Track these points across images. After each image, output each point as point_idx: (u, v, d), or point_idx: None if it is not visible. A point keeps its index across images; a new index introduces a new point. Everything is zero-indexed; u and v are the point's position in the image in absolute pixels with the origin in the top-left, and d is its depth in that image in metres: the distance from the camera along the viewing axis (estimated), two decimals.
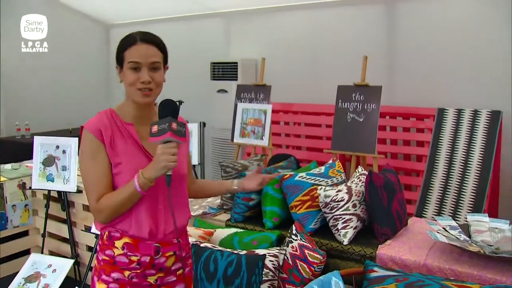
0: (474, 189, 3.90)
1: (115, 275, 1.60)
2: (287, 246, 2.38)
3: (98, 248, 1.67)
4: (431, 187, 4.06)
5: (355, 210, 2.46)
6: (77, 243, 3.56)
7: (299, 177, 2.60)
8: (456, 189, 3.96)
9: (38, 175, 3.46)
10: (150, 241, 1.60)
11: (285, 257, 2.36)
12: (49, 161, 3.45)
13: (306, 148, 4.88)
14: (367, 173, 2.48)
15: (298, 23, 5.15)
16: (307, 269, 2.26)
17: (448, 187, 4.00)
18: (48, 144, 3.46)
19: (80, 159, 1.62)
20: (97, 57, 6.83)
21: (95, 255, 1.82)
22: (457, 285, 1.93)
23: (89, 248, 3.28)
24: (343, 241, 2.42)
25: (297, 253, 2.31)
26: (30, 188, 3.56)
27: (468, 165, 3.96)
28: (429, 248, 2.30)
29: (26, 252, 3.71)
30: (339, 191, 2.47)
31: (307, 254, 2.27)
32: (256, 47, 5.39)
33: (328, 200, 2.44)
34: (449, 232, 2.33)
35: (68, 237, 3.49)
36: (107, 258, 1.62)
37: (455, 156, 4.03)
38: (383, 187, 2.43)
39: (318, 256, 2.26)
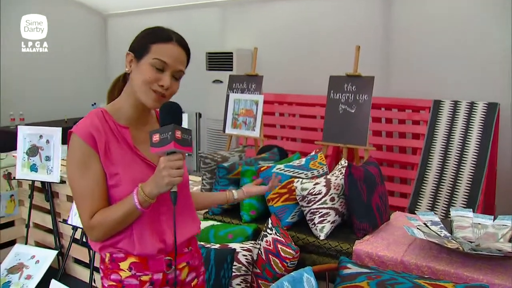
0: (468, 183, 3.80)
1: None
2: (262, 240, 2.31)
3: (101, 273, 1.47)
4: (425, 180, 3.96)
5: (333, 204, 2.37)
6: (61, 234, 3.53)
7: (277, 169, 2.52)
8: (451, 182, 3.86)
9: (22, 165, 3.42)
10: (160, 256, 1.42)
11: (259, 252, 2.30)
12: (33, 151, 3.41)
13: (301, 140, 4.80)
14: None
15: (293, 12, 5.06)
16: (280, 265, 2.19)
17: (443, 180, 3.90)
18: (32, 134, 3.42)
19: (68, 169, 1.38)
20: (94, 46, 6.79)
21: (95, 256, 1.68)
22: (431, 284, 1.85)
23: (75, 240, 3.24)
24: (320, 236, 2.34)
25: (270, 247, 2.24)
26: (14, 178, 3.52)
27: (464, 158, 3.86)
28: (408, 244, 2.22)
29: (13, 243, 3.69)
30: (316, 183, 2.38)
31: (280, 249, 2.20)
32: (251, 37, 5.31)
33: (305, 193, 2.36)
34: (429, 228, 2.24)
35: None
36: (113, 283, 1.42)
37: (450, 148, 3.93)
38: (363, 180, 2.34)
39: (291, 251, 2.18)
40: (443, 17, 4.26)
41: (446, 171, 3.91)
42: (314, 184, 2.37)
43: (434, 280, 1.87)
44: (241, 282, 2.27)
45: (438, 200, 3.88)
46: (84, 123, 1.37)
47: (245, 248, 2.30)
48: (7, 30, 5.38)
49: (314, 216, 2.35)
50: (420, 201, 3.92)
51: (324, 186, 2.38)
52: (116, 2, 6.37)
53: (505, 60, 3.99)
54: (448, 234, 2.22)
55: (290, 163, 2.61)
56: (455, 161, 3.89)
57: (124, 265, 1.40)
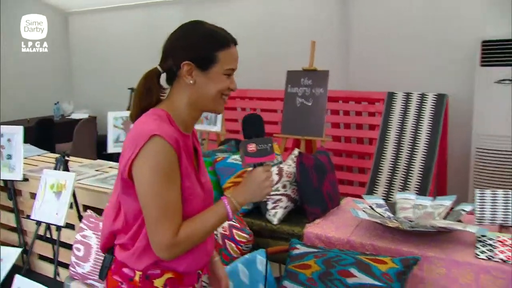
0: (420, 171, 4.00)
1: None
2: (221, 227, 2.43)
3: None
4: (381, 169, 4.15)
5: (285, 191, 2.52)
6: (25, 231, 3.57)
7: (232, 159, 2.64)
8: (404, 170, 4.06)
9: None
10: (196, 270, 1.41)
11: (217, 238, 2.41)
12: None
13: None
14: None
15: (254, 10, 5.19)
16: (235, 248, 2.31)
17: (397, 169, 4.09)
18: None
19: (150, 177, 1.24)
20: (56, 45, 6.74)
21: None
22: (371, 259, 2.01)
23: (39, 236, 3.28)
24: (273, 220, 2.47)
25: (226, 233, 2.36)
26: None
27: (416, 147, 4.06)
28: (355, 226, 2.37)
29: None
30: None
31: (235, 234, 2.33)
32: None
33: None
34: (374, 210, 2.40)
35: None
36: None
37: (403, 138, 4.13)
38: (313, 167, 2.49)
39: (245, 235, 2.31)
40: (398, 12, 4.46)
41: (399, 160, 4.10)
42: None
43: (374, 255, 2.04)
44: None
45: (393, 188, 4.07)
46: (167, 126, 1.28)
47: None
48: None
49: (268, 203, 2.49)
50: (376, 189, 4.11)
51: (277, 174, 2.52)
52: (77, 0, 6.36)
53: (453, 54, 4.23)
54: (391, 215, 2.38)
55: None
56: (408, 150, 4.08)
57: (159, 282, 1.34)
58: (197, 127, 4.29)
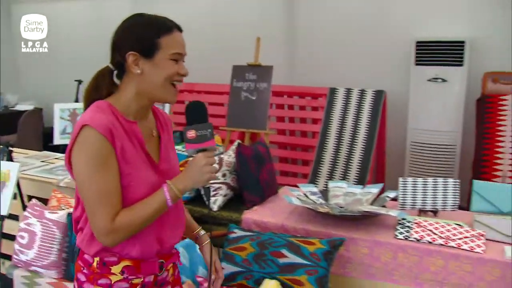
0: (359, 162, 4.22)
1: None
2: None
3: (81, 277, 1.39)
4: (322, 160, 4.35)
5: (225, 179, 2.65)
6: None
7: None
8: (344, 162, 4.27)
9: None
10: (154, 258, 1.42)
11: None
12: None
13: None
14: None
15: (202, 4, 5.27)
16: None
17: (337, 160, 4.30)
18: None
19: (82, 166, 1.27)
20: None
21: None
22: (301, 240, 2.18)
23: None
24: (213, 207, 2.61)
25: None
26: None
27: (355, 140, 4.28)
28: (289, 212, 2.54)
29: None
30: None
31: None
32: None
33: None
34: (308, 197, 2.57)
35: None
36: None
37: (344, 131, 4.34)
38: (251, 157, 2.63)
39: None
40: (342, 13, 4.67)
41: (340, 152, 4.31)
42: None
43: (304, 237, 2.20)
44: None
45: (334, 179, 4.28)
46: (99, 116, 1.28)
47: None
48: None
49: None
50: (318, 180, 4.31)
51: (217, 164, 2.64)
52: None
53: (391, 53, 4.48)
54: (324, 202, 2.56)
55: None
56: (348, 143, 4.30)
57: (116, 269, 1.36)
58: None
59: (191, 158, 1.37)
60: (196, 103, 1.40)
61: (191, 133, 1.33)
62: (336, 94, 4.46)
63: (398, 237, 2.20)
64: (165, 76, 1.34)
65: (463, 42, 4.08)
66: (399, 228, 2.27)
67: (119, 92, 1.39)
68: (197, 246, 2.22)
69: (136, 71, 1.34)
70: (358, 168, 4.21)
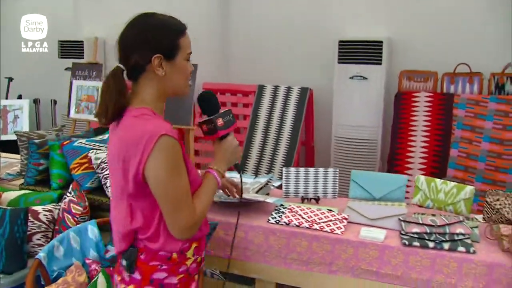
0: (284, 158, 4.44)
1: (193, 286, 1.58)
2: (62, 203, 2.70)
3: (160, 275, 1.50)
4: (249, 156, 4.55)
5: None
6: None
7: (79, 143, 2.92)
8: (270, 158, 4.48)
9: None
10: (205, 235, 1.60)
11: (59, 212, 2.69)
12: None
13: None
14: None
15: (137, 7, 5.38)
16: (72, 220, 2.60)
17: (263, 156, 4.51)
18: None
19: (165, 172, 1.38)
20: None
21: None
22: None
23: None
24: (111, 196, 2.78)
25: (66, 207, 2.64)
26: None
27: (281, 136, 4.49)
28: None
29: None
30: None
31: (71, 207, 2.61)
32: (105, 26, 5.55)
33: (98, 161, 2.78)
34: None
35: None
36: (182, 275, 1.53)
37: (270, 127, 4.55)
38: None
39: (79, 207, 2.61)
40: (271, 13, 4.87)
41: (266, 147, 4.52)
42: (106, 155, 2.80)
43: None
44: (41, 237, 2.66)
45: (260, 173, 4.49)
46: (166, 124, 1.42)
47: (46, 209, 2.69)
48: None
49: (107, 181, 2.79)
50: (245, 174, 4.50)
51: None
52: None
53: (318, 51, 4.69)
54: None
55: (92, 138, 3.02)
56: (274, 139, 4.51)
57: (189, 253, 1.54)
58: (78, 116, 4.55)
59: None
60: (207, 94, 1.59)
61: (219, 121, 1.52)
62: (264, 91, 4.67)
63: (270, 222, 2.40)
64: (186, 76, 1.48)
65: (381, 42, 4.32)
66: (273, 214, 2.47)
67: (139, 93, 1.47)
68: (89, 231, 2.39)
69: (160, 73, 1.43)
70: (282, 162, 4.42)
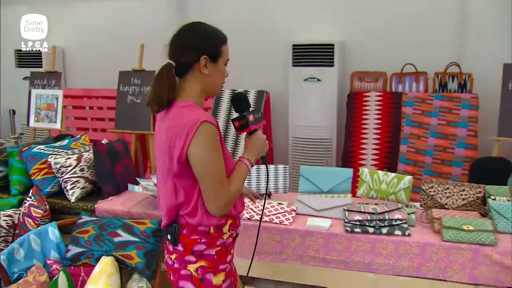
0: None
1: (229, 257, 1.75)
2: (22, 207, 2.77)
3: (200, 248, 1.68)
4: None
5: (83, 174, 2.92)
6: None
7: (38, 149, 3.00)
8: None
9: None
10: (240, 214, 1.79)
11: (19, 216, 2.76)
12: None
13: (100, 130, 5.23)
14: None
15: (97, 15, 5.46)
16: (32, 223, 2.68)
17: None
18: None
19: (206, 153, 1.57)
20: None
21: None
22: (134, 221, 2.49)
23: None
24: (71, 199, 2.87)
25: (26, 211, 2.72)
26: None
27: (238, 140, 4.62)
28: (139, 200, 2.84)
29: None
30: (68, 158, 2.91)
31: (32, 211, 2.69)
32: (67, 35, 5.59)
33: (58, 166, 2.87)
34: (153, 186, 2.87)
35: None
36: (219, 248, 1.70)
37: (229, 131, 4.68)
38: (106, 153, 2.92)
39: (40, 211, 2.69)
40: (229, 19, 4.95)
41: None
42: (66, 159, 2.89)
43: (138, 219, 2.51)
44: (1, 242, 2.72)
45: None
46: (207, 114, 1.62)
47: (6, 215, 2.76)
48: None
49: (67, 184, 2.88)
50: None
51: (75, 160, 2.91)
52: None
53: (274, 55, 4.85)
54: None
55: (52, 144, 3.11)
56: (232, 142, 4.64)
57: (225, 228, 1.71)
58: (38, 125, 4.58)
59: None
60: (240, 94, 1.77)
61: (251, 117, 1.69)
62: (222, 95, 4.80)
63: None
64: (223, 77, 1.69)
65: (333, 45, 4.51)
66: None
67: (186, 88, 1.67)
68: (50, 233, 2.47)
69: (205, 72, 1.65)
70: None
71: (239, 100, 1.76)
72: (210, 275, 1.67)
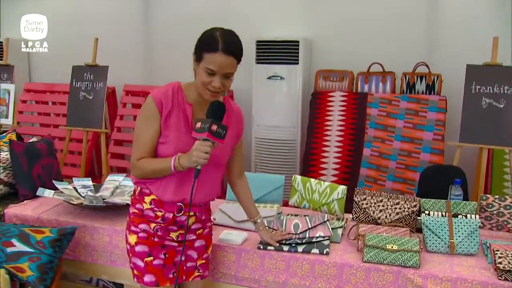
0: None
1: (142, 226, 1.85)
2: None
3: (130, 203, 1.93)
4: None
5: None
6: None
7: None
8: None
9: None
10: (174, 202, 1.82)
11: None
12: None
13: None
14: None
15: (63, 8, 5.28)
16: None
17: None
18: None
19: (137, 119, 1.81)
20: None
21: None
22: (32, 230, 2.31)
23: None
24: None
25: None
26: None
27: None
28: (54, 205, 2.65)
29: None
30: None
31: None
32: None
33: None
34: (76, 190, 2.69)
35: None
36: (136, 211, 1.87)
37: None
38: (23, 153, 2.73)
39: None
40: (193, 15, 4.81)
41: None
42: None
43: (38, 227, 2.32)
44: None
45: None
46: (161, 89, 1.78)
47: None
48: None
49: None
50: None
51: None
52: None
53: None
54: (91, 194, 2.67)
55: None
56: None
57: (147, 199, 1.84)
58: None
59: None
60: (216, 102, 1.72)
61: (198, 124, 1.67)
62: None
63: None
64: (201, 81, 1.71)
65: (297, 41, 4.30)
66: None
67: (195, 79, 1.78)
68: None
69: (194, 68, 1.75)
70: None
71: (217, 107, 1.71)
72: (127, 231, 1.90)
